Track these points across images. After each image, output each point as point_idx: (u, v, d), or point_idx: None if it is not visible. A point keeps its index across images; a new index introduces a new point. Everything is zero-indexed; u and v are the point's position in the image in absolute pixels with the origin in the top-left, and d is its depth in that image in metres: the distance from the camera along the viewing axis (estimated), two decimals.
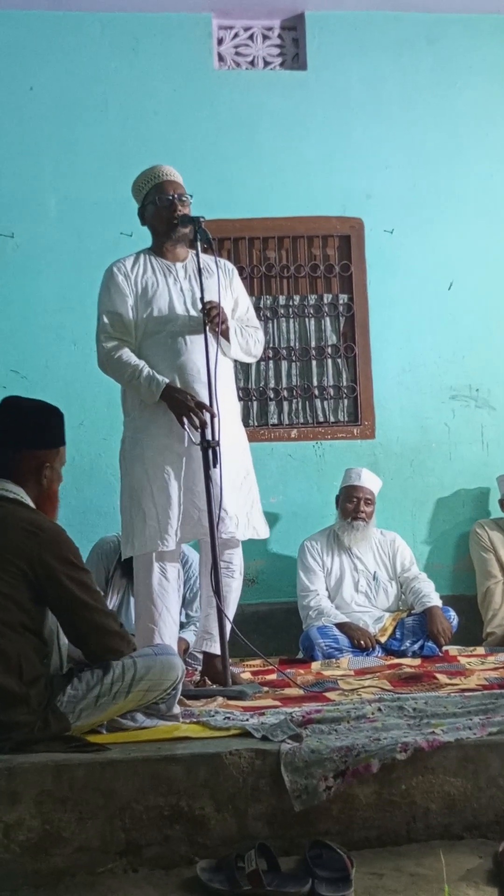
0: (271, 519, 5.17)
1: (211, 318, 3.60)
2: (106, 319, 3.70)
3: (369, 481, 4.82)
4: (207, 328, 3.59)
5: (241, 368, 5.15)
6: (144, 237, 3.94)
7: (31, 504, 2.73)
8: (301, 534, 4.93)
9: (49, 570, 2.56)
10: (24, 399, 2.88)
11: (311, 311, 5.41)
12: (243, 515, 3.72)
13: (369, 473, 4.86)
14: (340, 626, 4.52)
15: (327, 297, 5.43)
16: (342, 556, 4.78)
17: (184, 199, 3.74)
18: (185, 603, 4.26)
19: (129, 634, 2.78)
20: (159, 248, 3.82)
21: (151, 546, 3.58)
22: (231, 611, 3.72)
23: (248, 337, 3.85)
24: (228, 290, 3.79)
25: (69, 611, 2.60)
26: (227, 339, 3.73)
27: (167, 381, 3.59)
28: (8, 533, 2.58)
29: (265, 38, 5.62)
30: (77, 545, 2.70)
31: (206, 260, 3.74)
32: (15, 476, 2.73)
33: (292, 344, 5.39)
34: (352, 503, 4.77)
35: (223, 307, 3.66)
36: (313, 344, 5.40)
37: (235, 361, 3.92)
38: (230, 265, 3.95)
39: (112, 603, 4.22)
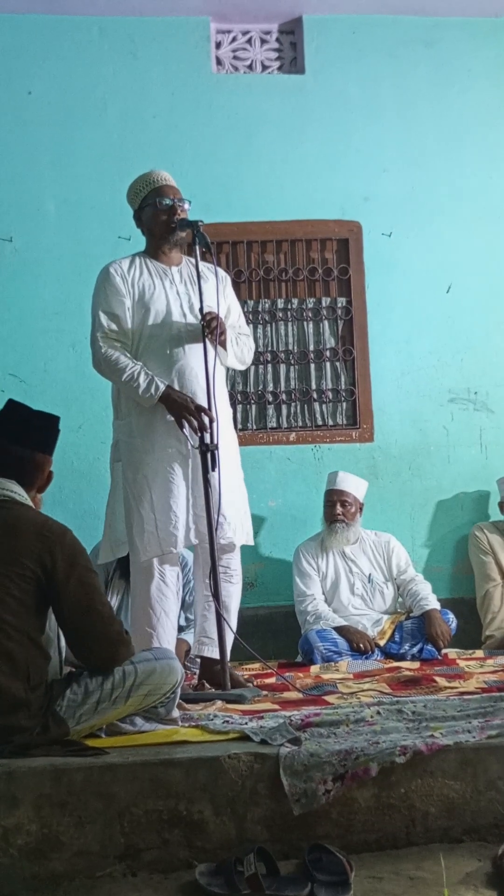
0: (270, 522, 5.18)
1: (211, 329, 3.59)
2: (102, 320, 3.68)
3: (345, 483, 4.81)
4: (207, 338, 3.58)
5: (240, 372, 5.15)
6: (143, 241, 3.93)
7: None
8: (299, 537, 4.93)
9: (58, 572, 2.55)
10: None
11: (310, 315, 5.41)
12: (239, 520, 3.71)
13: (346, 475, 4.85)
14: (339, 629, 4.52)
15: (325, 301, 5.43)
16: (336, 560, 4.78)
17: (182, 203, 3.75)
18: (185, 606, 4.25)
19: (130, 638, 2.77)
20: (155, 252, 3.81)
21: (154, 552, 3.56)
22: (233, 617, 3.71)
23: (242, 346, 3.86)
24: (223, 295, 3.79)
25: (74, 616, 2.59)
26: (226, 348, 3.73)
27: (166, 383, 3.58)
28: (20, 536, 2.56)
29: (263, 41, 5.63)
30: None
31: (202, 265, 3.73)
32: (21, 477, 2.70)
33: (290, 347, 5.39)
34: (329, 507, 4.79)
35: (221, 317, 3.66)
36: (312, 347, 5.40)
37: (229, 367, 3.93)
38: (223, 272, 3.94)
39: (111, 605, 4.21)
